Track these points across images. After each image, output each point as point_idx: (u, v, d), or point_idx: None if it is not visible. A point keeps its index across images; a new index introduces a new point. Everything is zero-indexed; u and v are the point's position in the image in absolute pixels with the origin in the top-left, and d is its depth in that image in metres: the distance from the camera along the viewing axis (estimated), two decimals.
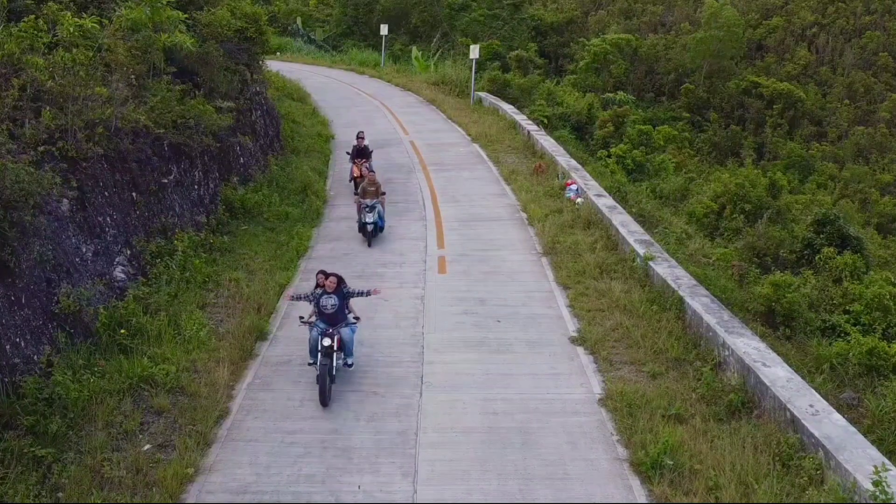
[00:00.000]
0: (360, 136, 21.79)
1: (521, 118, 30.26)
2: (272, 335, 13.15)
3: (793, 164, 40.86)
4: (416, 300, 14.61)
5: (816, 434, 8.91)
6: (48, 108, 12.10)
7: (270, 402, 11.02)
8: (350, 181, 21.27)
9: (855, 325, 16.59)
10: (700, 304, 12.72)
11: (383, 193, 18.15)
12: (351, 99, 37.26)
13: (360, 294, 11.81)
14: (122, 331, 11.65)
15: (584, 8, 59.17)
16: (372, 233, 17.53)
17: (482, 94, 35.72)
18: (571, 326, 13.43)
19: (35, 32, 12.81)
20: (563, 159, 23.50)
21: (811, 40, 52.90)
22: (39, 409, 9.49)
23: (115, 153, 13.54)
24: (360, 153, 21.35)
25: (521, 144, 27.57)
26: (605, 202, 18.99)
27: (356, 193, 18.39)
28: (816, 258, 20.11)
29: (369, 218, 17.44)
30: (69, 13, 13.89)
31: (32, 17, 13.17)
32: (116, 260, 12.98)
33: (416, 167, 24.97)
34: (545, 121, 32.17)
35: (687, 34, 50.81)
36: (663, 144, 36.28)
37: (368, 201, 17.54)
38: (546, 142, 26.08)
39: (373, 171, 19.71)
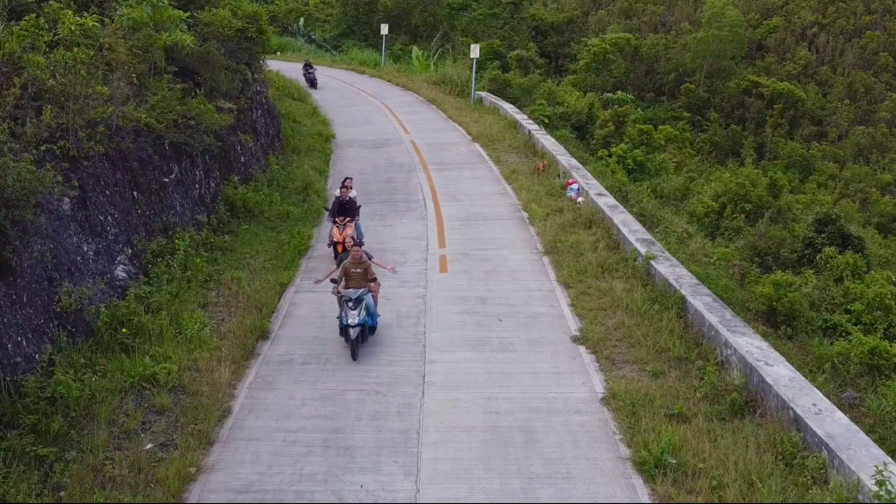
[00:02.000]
0: (344, 185, 16.71)
1: (521, 118, 30.25)
2: (273, 334, 13.14)
3: (793, 163, 40.84)
4: (417, 299, 14.60)
5: (820, 433, 8.90)
6: (49, 106, 12.08)
7: (272, 401, 11.01)
8: (329, 246, 16.11)
9: (856, 324, 16.59)
10: (702, 303, 12.71)
11: (373, 280, 12.67)
12: (351, 98, 37.25)
13: None
14: (124, 330, 11.66)
15: (584, 7, 59.16)
16: (357, 339, 12.05)
17: (482, 94, 35.71)
18: (573, 325, 13.42)
19: (36, 31, 12.79)
20: (564, 158, 23.49)
21: (811, 40, 52.89)
22: (41, 408, 9.49)
23: (116, 152, 13.53)
24: (343, 208, 16.14)
25: (522, 144, 27.56)
26: (606, 201, 18.97)
27: (334, 280, 12.57)
28: (817, 258, 20.12)
29: (353, 318, 11.93)
30: (70, 12, 13.87)
31: (33, 15, 13.16)
32: (118, 259, 12.97)
33: (417, 166, 24.96)
34: (546, 120, 32.15)
35: (687, 34, 50.80)
36: (664, 144, 36.29)
37: (352, 292, 12.17)
38: (547, 141, 26.07)
39: (360, 244, 13.35)
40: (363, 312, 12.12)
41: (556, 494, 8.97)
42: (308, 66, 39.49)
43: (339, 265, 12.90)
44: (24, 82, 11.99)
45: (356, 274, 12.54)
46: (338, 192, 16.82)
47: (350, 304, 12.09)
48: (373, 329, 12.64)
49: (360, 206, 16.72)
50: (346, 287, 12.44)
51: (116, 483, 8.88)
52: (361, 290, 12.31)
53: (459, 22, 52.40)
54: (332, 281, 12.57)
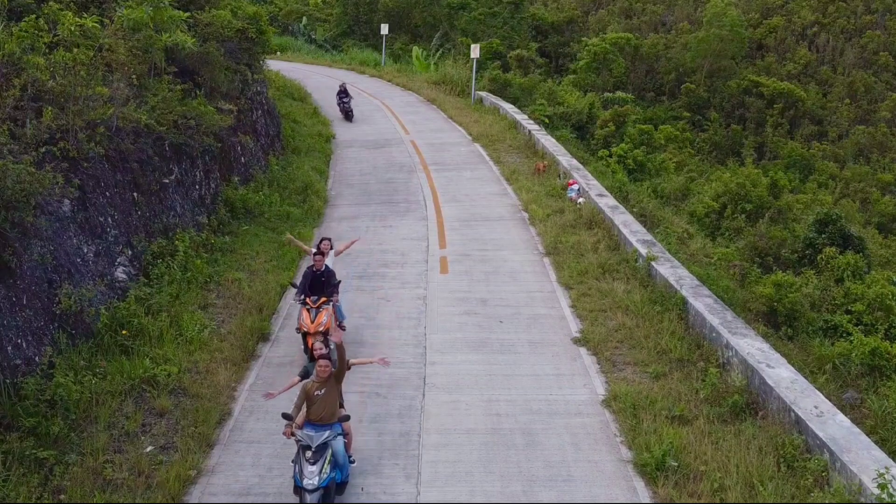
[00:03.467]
0: (319, 250, 12.55)
1: (521, 118, 30.23)
2: (274, 336, 13.12)
3: (793, 163, 40.86)
4: (418, 301, 14.58)
5: (821, 435, 8.88)
6: (49, 107, 12.07)
7: (272, 403, 10.94)
8: (297, 331, 12.11)
9: (857, 325, 16.57)
10: (703, 304, 12.69)
11: (346, 418, 8.97)
12: (352, 98, 37.18)
13: None
14: (124, 331, 11.64)
15: (584, 7, 59.18)
16: None
17: (483, 94, 35.69)
18: (574, 327, 13.40)
19: (36, 32, 12.77)
20: (565, 159, 23.46)
21: (812, 40, 52.92)
22: (41, 411, 9.48)
23: (116, 153, 13.51)
24: (317, 283, 12.05)
25: (522, 144, 27.54)
26: (606, 202, 18.95)
27: (287, 416, 8.68)
28: (818, 258, 20.10)
29: (312, 477, 8.27)
30: (70, 13, 13.84)
31: (33, 16, 13.12)
32: (118, 260, 12.95)
33: (417, 167, 24.93)
34: (546, 120, 32.13)
35: (687, 34, 50.80)
36: (664, 144, 36.28)
37: (313, 435, 8.48)
38: (547, 141, 26.05)
39: (327, 356, 8.89)
40: (328, 467, 8.31)
41: (557, 497, 8.96)
42: (343, 94, 32.21)
43: (302, 377, 9.15)
44: (23, 83, 11.96)
45: (322, 399, 8.61)
46: (312, 256, 12.45)
47: (309, 453, 8.30)
48: (341, 484, 8.74)
49: (340, 281, 12.63)
50: (308, 419, 8.65)
51: (117, 486, 8.88)
52: (327, 433, 8.46)
53: (459, 21, 52.35)
54: (285, 417, 8.58)
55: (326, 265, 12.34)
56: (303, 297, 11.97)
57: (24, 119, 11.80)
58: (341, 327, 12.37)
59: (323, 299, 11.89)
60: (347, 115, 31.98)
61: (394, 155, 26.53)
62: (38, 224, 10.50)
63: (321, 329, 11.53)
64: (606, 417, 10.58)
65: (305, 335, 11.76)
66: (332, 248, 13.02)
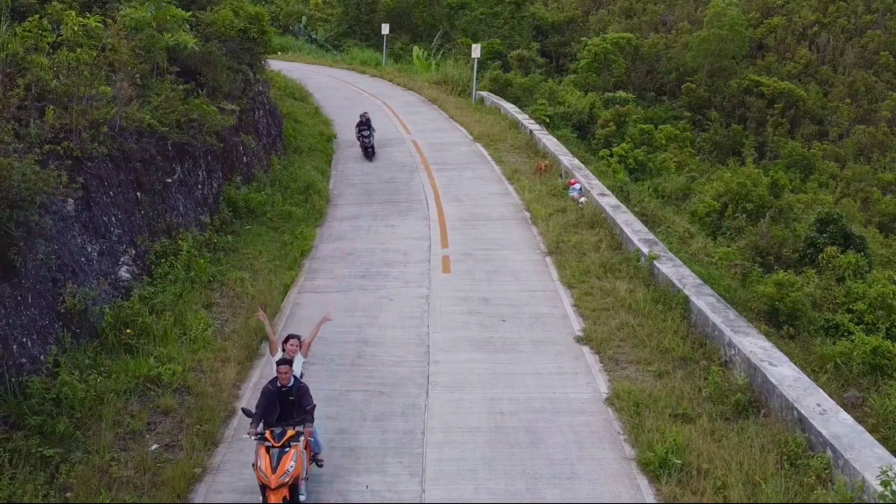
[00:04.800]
0: (284, 358, 9.03)
1: (522, 118, 30.26)
2: (277, 335, 13.11)
3: (794, 163, 40.81)
4: (420, 300, 14.60)
5: (824, 433, 8.91)
6: (53, 107, 12.10)
7: None
8: (253, 467, 8.56)
9: (858, 324, 16.58)
10: (705, 303, 12.72)
11: None
12: (352, 99, 37.21)
13: None
14: (128, 330, 11.67)
15: (584, 7, 59.16)
16: None
17: (484, 94, 35.72)
18: (576, 326, 13.43)
19: (39, 32, 12.81)
20: (566, 158, 23.49)
21: (812, 39, 52.88)
22: (46, 409, 9.52)
23: (119, 153, 13.55)
24: (286, 406, 8.70)
25: (524, 144, 27.57)
26: (608, 201, 18.98)
27: None
28: (819, 257, 20.11)
29: None
30: (73, 13, 13.88)
31: (36, 16, 13.17)
32: (121, 259, 12.98)
33: (419, 167, 24.97)
34: (547, 120, 32.14)
35: (687, 33, 50.78)
36: (665, 143, 36.26)
37: None
38: (548, 141, 26.08)
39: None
40: None
41: (560, 495, 8.99)
42: (364, 126, 26.11)
43: None
44: (27, 83, 12.00)
45: None
46: (279, 355, 9.28)
47: None
48: None
49: (314, 405, 8.77)
50: None
51: (122, 484, 8.92)
52: None
53: (460, 21, 52.35)
54: None
55: (294, 377, 8.84)
56: (260, 428, 8.44)
57: (27, 118, 11.83)
58: (317, 462, 9.23)
59: (291, 432, 8.40)
60: (367, 151, 25.90)
61: (395, 155, 26.56)
62: (42, 223, 10.54)
63: (286, 480, 8.12)
64: (609, 415, 10.61)
65: (265, 490, 8.21)
66: (300, 348, 9.46)
